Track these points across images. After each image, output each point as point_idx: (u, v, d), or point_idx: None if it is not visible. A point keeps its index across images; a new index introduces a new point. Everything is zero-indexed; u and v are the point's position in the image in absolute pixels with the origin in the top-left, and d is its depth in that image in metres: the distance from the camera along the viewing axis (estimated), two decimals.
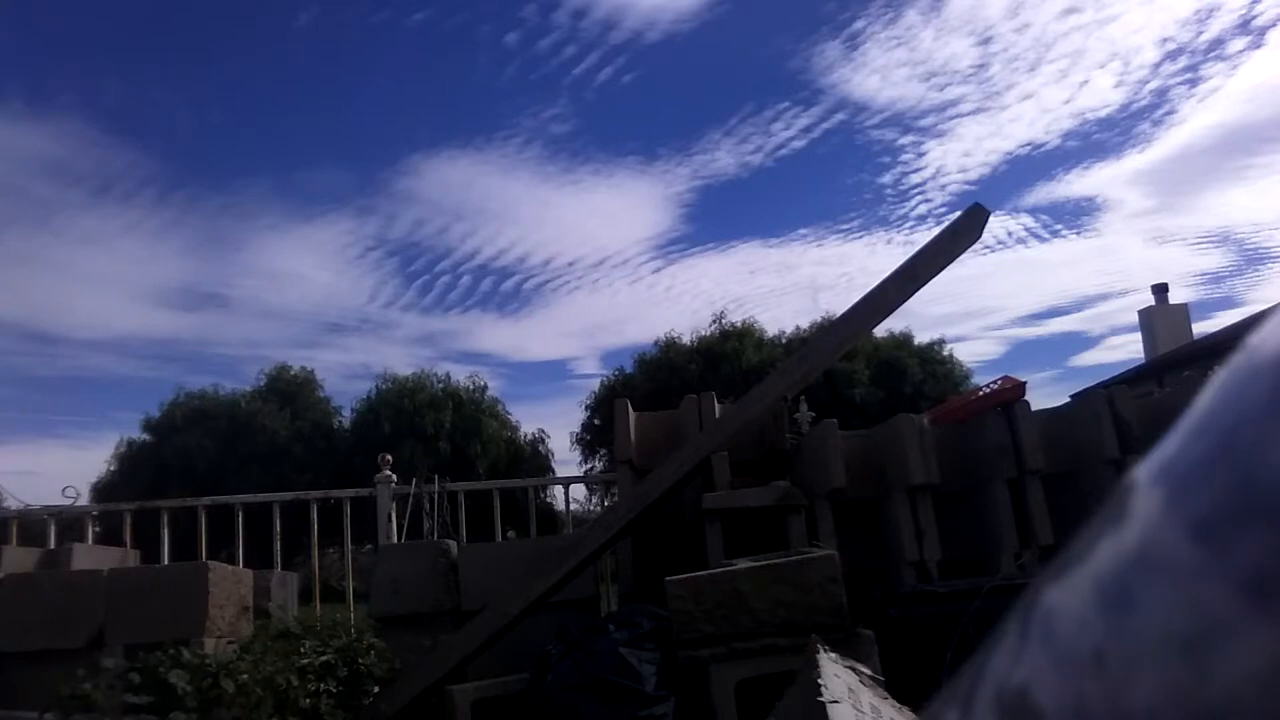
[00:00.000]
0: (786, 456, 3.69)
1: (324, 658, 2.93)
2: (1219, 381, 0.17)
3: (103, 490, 18.26)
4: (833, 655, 1.82)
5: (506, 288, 39.06)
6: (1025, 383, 3.63)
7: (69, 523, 4.95)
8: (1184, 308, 20.97)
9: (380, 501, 4.89)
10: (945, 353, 21.73)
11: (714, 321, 22.16)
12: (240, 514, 4.88)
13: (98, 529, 5.07)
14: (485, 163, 37.08)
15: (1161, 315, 20.50)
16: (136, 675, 2.49)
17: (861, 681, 1.79)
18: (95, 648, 3.23)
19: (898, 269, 3.48)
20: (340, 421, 21.53)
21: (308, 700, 2.74)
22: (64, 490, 4.85)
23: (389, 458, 5.11)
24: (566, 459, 22.58)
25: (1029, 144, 39.61)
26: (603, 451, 20.69)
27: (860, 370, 19.07)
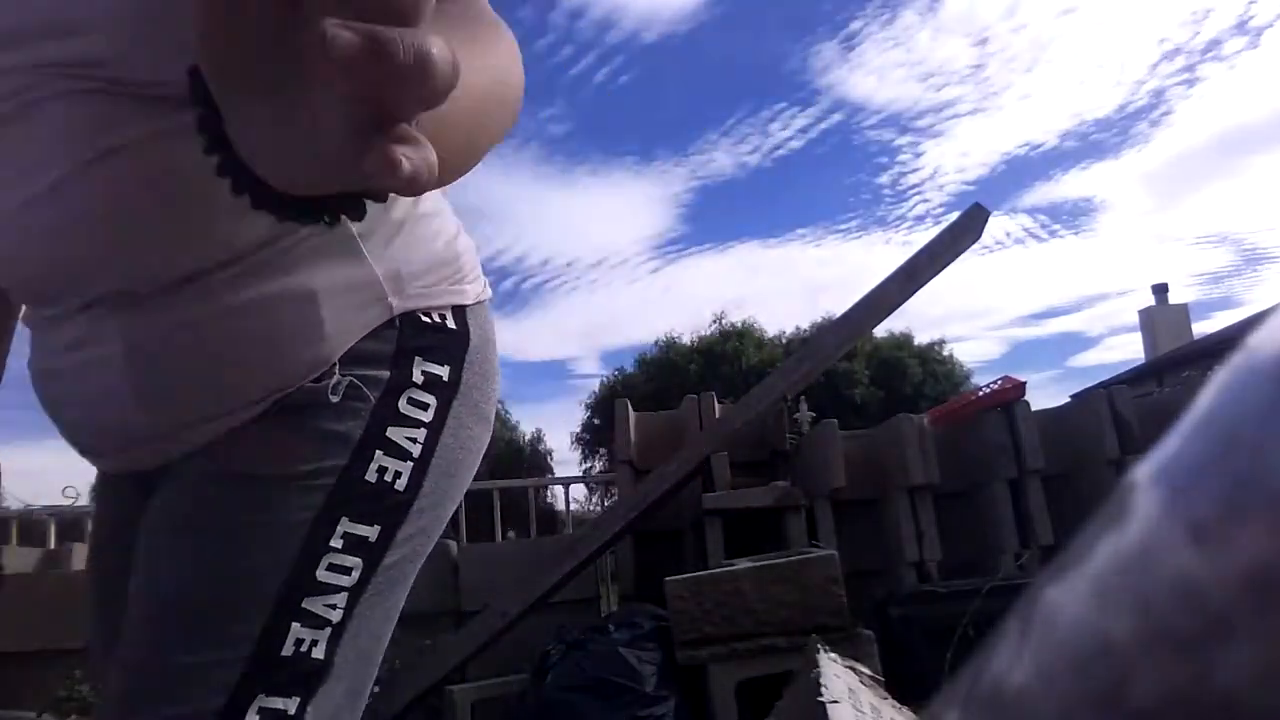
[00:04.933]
0: (786, 456, 3.69)
1: None
2: (1219, 381, 0.17)
3: None
4: (833, 655, 1.82)
5: (505, 288, 39.06)
6: (1025, 383, 3.63)
7: (69, 523, 4.95)
8: (1184, 308, 20.99)
9: None
10: (945, 353, 21.76)
11: (714, 321, 22.18)
12: None
13: None
14: (482, 163, 37.08)
15: (1161, 315, 20.53)
16: None
17: (861, 681, 1.79)
18: None
19: (898, 269, 3.48)
20: None
21: None
22: (64, 490, 4.85)
23: None
24: (566, 459, 22.59)
25: (1027, 144, 39.66)
26: (603, 451, 20.69)
27: (860, 370, 19.08)
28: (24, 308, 0.82)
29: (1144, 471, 0.17)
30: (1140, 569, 0.16)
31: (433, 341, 0.79)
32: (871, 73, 38.13)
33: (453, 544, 3.77)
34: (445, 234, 0.85)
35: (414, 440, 0.76)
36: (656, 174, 41.04)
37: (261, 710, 0.68)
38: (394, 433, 0.75)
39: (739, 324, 21.93)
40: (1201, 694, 0.14)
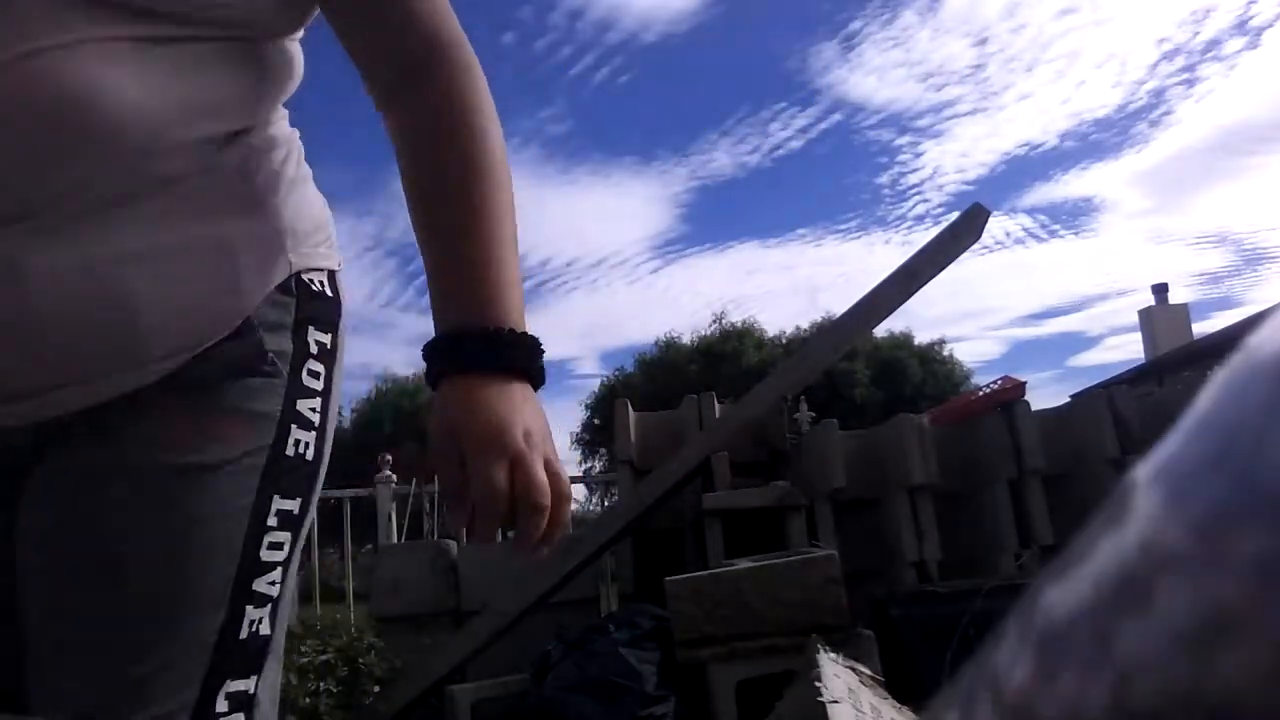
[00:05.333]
0: (786, 456, 3.69)
1: (324, 657, 2.93)
2: (1219, 381, 0.17)
3: None
4: (833, 655, 1.82)
5: None
6: (1025, 383, 3.63)
7: None
8: (1184, 308, 20.97)
9: (380, 502, 4.89)
10: (945, 353, 21.77)
11: (714, 321, 22.18)
12: None
13: None
14: None
15: (1161, 315, 20.51)
16: None
17: (861, 681, 1.79)
18: None
19: (898, 269, 3.48)
20: (340, 421, 21.53)
21: (307, 700, 2.74)
22: None
23: (389, 458, 5.11)
24: (566, 459, 22.53)
25: (1026, 144, 39.62)
26: (603, 451, 20.69)
27: (860, 370, 19.07)
28: None
29: (1144, 471, 0.17)
30: (1140, 569, 0.16)
31: (319, 310, 0.82)
32: (871, 73, 38.11)
33: (453, 544, 3.77)
34: (319, 198, 0.88)
35: (314, 410, 0.79)
36: (656, 174, 41.08)
37: (229, 695, 0.69)
38: (301, 405, 0.77)
39: (739, 324, 21.93)
40: (1202, 694, 0.14)
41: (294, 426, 0.76)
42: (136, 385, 0.69)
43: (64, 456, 0.70)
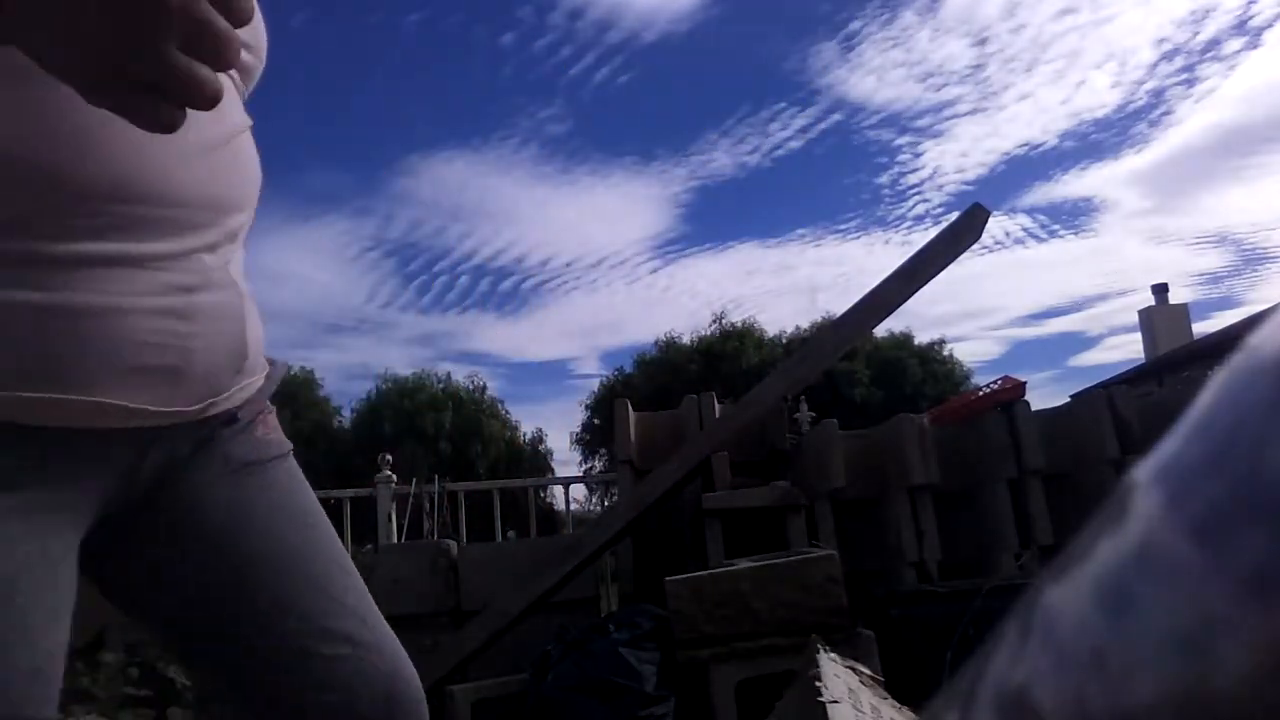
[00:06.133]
0: (786, 456, 3.69)
1: None
2: (1219, 381, 0.17)
3: None
4: (833, 655, 1.82)
5: (504, 288, 38.99)
6: (1025, 383, 3.63)
7: None
8: (1184, 308, 20.93)
9: (380, 501, 4.89)
10: (945, 353, 21.74)
11: (714, 321, 22.17)
12: None
13: None
14: (482, 163, 37.06)
15: (1161, 315, 20.48)
16: (135, 670, 2.49)
17: (861, 681, 1.79)
18: (97, 647, 3.23)
19: (898, 269, 3.48)
20: (340, 421, 21.53)
21: None
22: None
23: (389, 458, 5.12)
24: (566, 459, 22.56)
25: (1026, 144, 39.52)
26: (603, 451, 20.67)
27: (860, 370, 19.06)
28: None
29: (1144, 471, 0.17)
30: (1140, 569, 0.16)
31: None
32: (871, 73, 37.98)
33: (453, 544, 3.77)
34: None
35: None
36: (656, 174, 40.98)
37: None
38: None
39: (739, 324, 21.92)
40: (1201, 694, 0.14)
41: None
42: (257, 389, 0.89)
43: (213, 449, 0.86)
